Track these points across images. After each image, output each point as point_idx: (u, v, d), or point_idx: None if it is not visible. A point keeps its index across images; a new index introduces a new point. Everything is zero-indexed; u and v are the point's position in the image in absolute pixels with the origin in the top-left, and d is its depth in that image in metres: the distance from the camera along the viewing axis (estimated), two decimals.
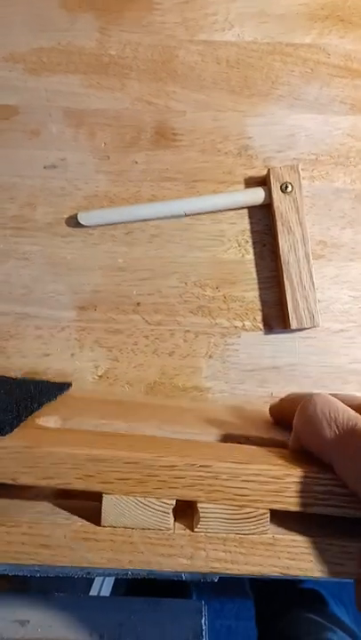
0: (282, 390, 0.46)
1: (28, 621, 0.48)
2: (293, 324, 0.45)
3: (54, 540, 0.30)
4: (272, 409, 0.39)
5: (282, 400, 0.38)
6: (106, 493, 0.30)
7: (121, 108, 0.49)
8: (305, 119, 0.48)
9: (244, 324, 0.47)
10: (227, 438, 0.36)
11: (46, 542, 0.30)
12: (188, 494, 0.30)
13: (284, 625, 0.73)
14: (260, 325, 0.47)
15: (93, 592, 0.77)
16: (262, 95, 0.49)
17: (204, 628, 0.48)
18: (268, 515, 0.30)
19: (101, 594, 0.81)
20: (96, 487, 0.30)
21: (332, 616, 0.73)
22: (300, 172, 0.46)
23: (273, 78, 0.49)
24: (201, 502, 0.30)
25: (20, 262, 0.47)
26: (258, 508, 0.30)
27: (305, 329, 0.46)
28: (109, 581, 0.81)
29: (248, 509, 0.30)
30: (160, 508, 0.30)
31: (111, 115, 0.48)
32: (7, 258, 0.47)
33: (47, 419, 0.36)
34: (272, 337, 0.47)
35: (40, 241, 0.47)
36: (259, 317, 0.47)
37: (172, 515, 0.30)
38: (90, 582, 0.73)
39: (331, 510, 0.29)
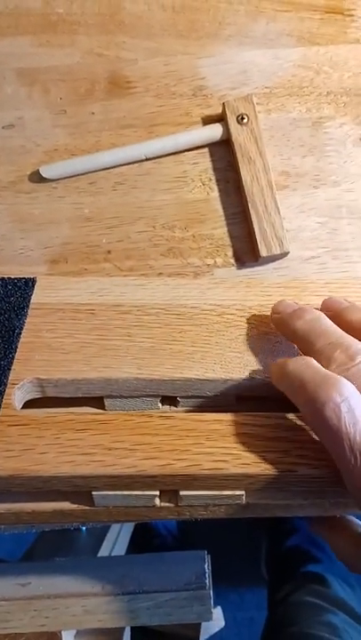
0: None
1: (30, 583, 0.51)
2: (263, 252, 0.49)
3: None
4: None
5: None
6: (94, 491, 0.36)
7: (73, 63, 0.53)
8: (255, 55, 0.53)
9: (215, 261, 0.51)
10: None
11: None
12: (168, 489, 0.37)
13: (285, 610, 0.76)
14: (232, 261, 0.51)
15: None
16: (211, 37, 0.54)
17: (207, 571, 0.51)
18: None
19: None
20: (84, 489, 0.36)
21: (335, 598, 0.76)
22: (255, 102, 0.50)
23: (220, 19, 0.54)
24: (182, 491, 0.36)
25: None
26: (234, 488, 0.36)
27: (276, 258, 0.50)
28: (119, 551, 0.85)
29: (227, 492, 0.36)
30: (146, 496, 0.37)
31: (64, 70, 0.53)
32: None
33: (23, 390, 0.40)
34: (245, 271, 0.51)
35: (5, 200, 0.52)
36: (230, 253, 0.51)
37: (157, 498, 0.37)
38: (95, 552, 0.76)
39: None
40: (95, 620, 0.49)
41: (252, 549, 1.12)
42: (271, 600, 0.88)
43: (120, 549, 0.88)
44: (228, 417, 0.36)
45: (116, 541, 0.85)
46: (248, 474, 0.34)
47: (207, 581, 0.50)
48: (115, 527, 0.88)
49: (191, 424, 0.36)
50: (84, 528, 0.81)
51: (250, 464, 0.34)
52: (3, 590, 0.50)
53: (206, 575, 0.51)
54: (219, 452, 0.35)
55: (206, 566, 0.52)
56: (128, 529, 0.97)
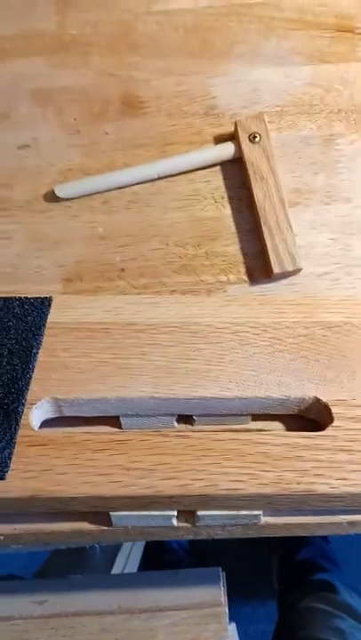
0: None
1: (46, 601, 0.51)
2: (276, 269, 0.49)
3: None
4: None
5: None
6: (112, 511, 0.36)
7: (86, 84, 0.54)
8: (266, 73, 0.54)
9: (228, 278, 0.51)
10: None
11: None
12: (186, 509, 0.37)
13: (294, 615, 0.77)
14: (245, 277, 0.51)
15: None
16: (222, 55, 0.54)
17: (222, 588, 0.51)
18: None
19: None
20: (102, 510, 0.36)
21: (343, 604, 0.77)
22: (266, 120, 0.50)
23: (231, 38, 0.54)
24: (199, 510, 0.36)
25: (2, 242, 0.52)
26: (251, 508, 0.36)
27: (289, 275, 0.50)
28: (132, 566, 0.84)
29: (244, 512, 0.36)
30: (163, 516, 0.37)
31: (77, 90, 0.54)
32: None
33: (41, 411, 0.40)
34: (258, 288, 0.51)
35: (20, 219, 0.52)
36: (242, 270, 0.51)
37: (175, 518, 0.37)
38: (109, 568, 0.76)
39: None
40: (112, 639, 0.49)
41: (264, 562, 1.12)
42: (281, 607, 0.88)
43: (133, 564, 0.88)
44: (244, 436, 0.36)
45: (129, 557, 0.85)
46: (266, 494, 0.34)
47: (223, 599, 0.50)
48: (127, 542, 0.87)
49: (208, 443, 0.36)
50: (97, 545, 0.81)
51: (267, 484, 0.34)
52: (19, 608, 0.50)
53: (222, 593, 0.50)
54: (236, 472, 0.35)
55: (222, 584, 0.51)
56: (140, 544, 0.96)
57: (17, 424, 0.36)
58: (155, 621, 0.49)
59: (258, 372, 0.40)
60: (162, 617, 0.49)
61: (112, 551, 0.82)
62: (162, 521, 0.36)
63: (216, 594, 0.50)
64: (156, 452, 0.35)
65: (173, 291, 0.50)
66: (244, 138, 0.51)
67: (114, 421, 0.41)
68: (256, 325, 0.43)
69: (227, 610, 0.49)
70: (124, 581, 0.53)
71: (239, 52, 0.54)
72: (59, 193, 0.51)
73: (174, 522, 0.37)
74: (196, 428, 0.41)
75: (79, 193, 0.52)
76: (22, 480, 0.34)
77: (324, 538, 1.08)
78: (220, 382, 0.39)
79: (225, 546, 1.01)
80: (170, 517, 0.36)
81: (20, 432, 0.36)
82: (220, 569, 0.53)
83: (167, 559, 1.14)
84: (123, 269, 0.51)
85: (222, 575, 0.53)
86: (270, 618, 0.92)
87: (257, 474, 0.34)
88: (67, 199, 0.52)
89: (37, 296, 0.44)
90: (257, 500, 0.35)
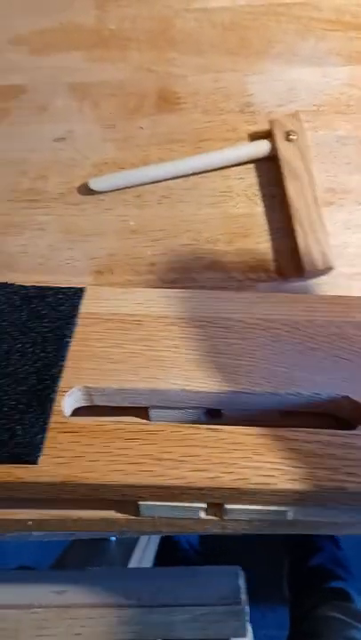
0: None
1: (65, 591, 0.50)
2: (308, 267, 0.48)
3: None
4: None
5: None
6: (140, 500, 0.36)
7: (123, 78, 0.54)
8: (303, 73, 0.53)
9: (258, 276, 0.50)
10: None
11: None
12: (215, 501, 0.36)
13: (309, 625, 0.77)
14: (276, 275, 0.50)
15: None
16: (260, 54, 0.54)
17: (242, 586, 0.50)
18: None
19: None
20: (130, 499, 0.36)
21: (358, 613, 0.76)
22: (302, 119, 0.50)
23: (269, 37, 0.54)
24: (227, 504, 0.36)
25: (35, 233, 0.52)
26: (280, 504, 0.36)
27: (320, 274, 0.50)
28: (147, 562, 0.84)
29: (273, 507, 0.36)
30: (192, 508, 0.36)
31: (114, 85, 0.54)
32: (23, 230, 0.52)
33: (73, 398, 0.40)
34: (288, 286, 0.50)
35: (54, 210, 0.52)
36: (273, 268, 0.50)
37: (203, 511, 0.37)
38: (125, 562, 0.76)
39: None
40: (130, 632, 0.48)
41: (275, 567, 1.11)
42: (294, 615, 0.87)
43: (148, 560, 0.87)
44: (276, 432, 0.36)
45: (145, 552, 0.85)
46: (296, 489, 0.34)
47: (242, 597, 0.50)
48: (143, 537, 0.87)
49: (239, 437, 0.35)
50: (113, 538, 0.80)
51: (298, 480, 0.34)
52: (39, 597, 0.50)
53: (241, 591, 0.50)
54: (266, 467, 0.34)
55: (241, 582, 0.51)
56: (155, 540, 0.96)
57: (50, 410, 0.36)
58: (173, 616, 0.49)
59: (289, 369, 0.39)
60: (180, 612, 0.49)
61: (128, 546, 0.82)
62: (190, 513, 0.36)
63: (236, 591, 0.50)
64: (186, 443, 0.35)
65: (203, 286, 0.50)
66: (279, 136, 0.50)
67: (141, 413, 0.40)
68: (288, 323, 0.42)
69: (247, 608, 0.49)
70: (144, 575, 0.53)
71: (277, 52, 0.54)
72: (93, 186, 0.51)
73: (202, 514, 0.37)
74: (223, 421, 0.40)
75: (113, 186, 0.52)
76: (54, 466, 0.34)
77: (336, 544, 1.07)
78: (252, 378, 0.39)
79: (234, 549, 1.00)
80: (198, 510, 0.36)
81: (52, 419, 0.36)
82: (240, 567, 0.53)
83: (178, 557, 1.13)
84: (153, 264, 0.51)
85: (241, 573, 0.52)
86: (280, 623, 0.91)
87: (288, 469, 0.34)
88: (100, 192, 0.52)
89: (71, 286, 0.44)
90: (287, 496, 0.34)
